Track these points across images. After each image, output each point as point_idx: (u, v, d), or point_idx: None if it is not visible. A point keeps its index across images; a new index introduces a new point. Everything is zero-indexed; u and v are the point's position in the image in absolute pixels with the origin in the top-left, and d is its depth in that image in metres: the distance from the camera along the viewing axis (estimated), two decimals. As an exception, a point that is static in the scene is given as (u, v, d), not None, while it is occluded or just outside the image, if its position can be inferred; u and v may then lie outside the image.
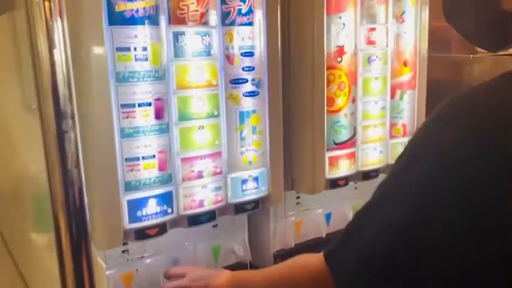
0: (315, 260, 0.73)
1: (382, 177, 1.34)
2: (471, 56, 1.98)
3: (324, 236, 1.38)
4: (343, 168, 1.20)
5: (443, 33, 1.40)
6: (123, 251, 1.08)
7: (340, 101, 1.15)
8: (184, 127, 0.96)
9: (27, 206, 1.13)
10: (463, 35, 0.70)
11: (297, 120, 1.15)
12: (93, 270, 0.53)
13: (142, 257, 1.10)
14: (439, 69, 1.77)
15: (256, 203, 1.08)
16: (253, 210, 1.08)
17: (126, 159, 0.89)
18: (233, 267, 1.24)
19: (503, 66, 0.64)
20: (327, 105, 1.13)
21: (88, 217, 0.52)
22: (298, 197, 1.33)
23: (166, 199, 0.95)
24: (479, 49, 2.03)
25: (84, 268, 0.53)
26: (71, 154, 0.51)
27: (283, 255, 1.31)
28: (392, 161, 1.30)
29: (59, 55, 0.49)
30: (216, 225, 1.20)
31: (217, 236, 1.22)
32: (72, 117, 0.52)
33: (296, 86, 1.14)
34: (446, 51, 2.10)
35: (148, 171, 0.91)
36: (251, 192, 1.07)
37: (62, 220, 0.52)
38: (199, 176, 0.98)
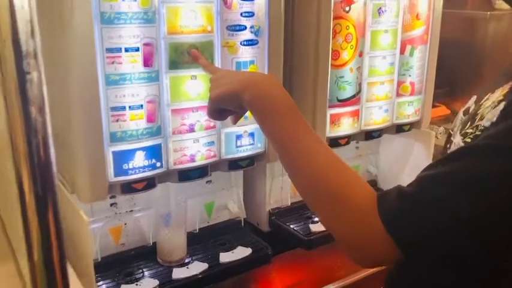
0: (368, 202, 0.60)
1: (386, 137, 1.28)
2: (488, 13, 1.87)
3: (321, 196, 1.34)
4: (345, 127, 1.13)
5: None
6: (111, 204, 1.04)
7: (346, 54, 1.07)
8: (175, 76, 0.89)
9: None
10: None
11: (299, 74, 1.08)
12: (61, 228, 0.48)
13: (131, 211, 1.07)
14: (453, 26, 1.67)
15: (251, 160, 1.03)
16: (247, 168, 1.03)
17: (112, 109, 0.83)
18: (226, 224, 1.21)
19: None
20: (331, 58, 1.06)
21: (55, 169, 0.46)
22: (296, 155, 1.28)
23: (154, 152, 0.89)
24: (497, 6, 1.92)
25: (50, 224, 0.48)
26: (33, 98, 0.45)
27: (279, 213, 1.28)
28: (397, 121, 1.24)
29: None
30: (210, 181, 1.16)
31: (211, 192, 1.18)
32: (35, 57, 0.45)
33: (299, 36, 1.06)
34: (462, 8, 1.98)
35: (135, 122, 0.85)
36: (246, 149, 1.01)
37: (25, 173, 0.46)
38: (191, 129, 0.92)
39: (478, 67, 1.92)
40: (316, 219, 1.26)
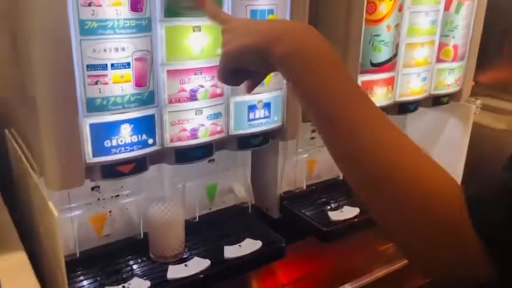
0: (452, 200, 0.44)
1: (421, 110, 1.08)
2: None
3: (341, 177, 1.15)
4: (378, 98, 0.94)
5: None
6: (92, 188, 0.85)
7: (383, 8, 0.87)
8: (173, 26, 0.68)
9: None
10: None
11: (325, 30, 0.86)
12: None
13: (117, 196, 0.88)
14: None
15: (265, 137, 0.83)
16: (260, 146, 0.83)
17: (88, 67, 0.62)
18: (231, 211, 1.03)
19: None
20: (366, 11, 0.85)
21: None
22: (313, 131, 1.08)
23: (145, 126, 0.69)
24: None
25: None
26: None
27: (292, 198, 1.10)
28: (435, 92, 1.04)
29: None
30: (213, 159, 0.96)
31: (214, 172, 0.99)
32: None
33: (328, -18, 0.85)
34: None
35: (120, 85, 0.65)
36: (260, 123, 0.82)
37: None
38: (193, 97, 0.72)
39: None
40: (335, 205, 1.08)
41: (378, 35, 0.88)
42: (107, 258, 0.87)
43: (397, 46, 0.93)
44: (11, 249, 0.64)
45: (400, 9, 0.90)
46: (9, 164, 0.88)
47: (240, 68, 0.57)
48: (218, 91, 0.75)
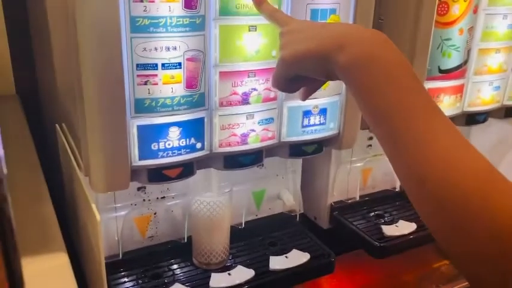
0: None
1: (491, 122, 0.99)
2: None
3: (397, 189, 1.08)
4: (444, 107, 0.86)
5: None
6: (138, 189, 0.83)
7: (457, 9, 0.79)
8: (228, 25, 0.64)
9: None
10: None
11: (390, 32, 0.80)
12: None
13: (163, 198, 0.85)
14: None
15: (319, 145, 0.78)
16: (314, 155, 0.78)
17: (138, 66, 0.59)
18: (278, 219, 0.98)
19: None
20: (437, 13, 0.78)
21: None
22: (370, 138, 1.02)
23: (194, 129, 0.66)
24: None
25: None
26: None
27: (343, 208, 1.04)
28: (509, 102, 0.95)
29: None
30: (262, 164, 0.92)
31: (262, 178, 0.95)
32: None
33: (396, -20, 0.78)
34: None
35: (170, 86, 0.62)
36: (315, 130, 0.76)
37: None
38: (245, 100, 0.68)
39: None
40: (389, 219, 1.02)
41: (449, 39, 0.80)
42: (149, 261, 0.84)
43: (469, 51, 0.85)
44: (53, 250, 0.63)
45: (475, 11, 0.82)
46: (58, 157, 0.87)
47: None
48: (272, 95, 0.70)
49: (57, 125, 0.85)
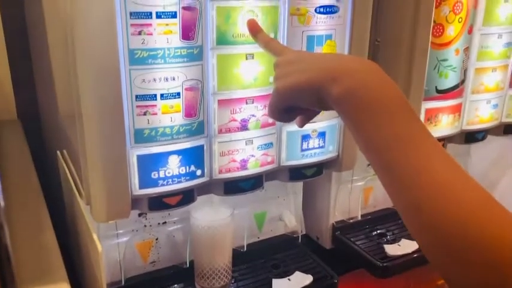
0: None
1: (490, 139, 0.99)
2: None
3: (399, 208, 1.08)
4: (443, 126, 0.87)
5: None
6: (139, 215, 0.83)
7: (452, 30, 0.80)
8: (225, 54, 0.65)
9: None
10: None
11: (387, 55, 0.81)
12: None
13: (164, 223, 0.85)
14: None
15: (319, 168, 0.78)
16: (314, 178, 0.79)
17: (137, 97, 0.60)
18: (280, 240, 0.98)
19: None
20: (432, 34, 0.79)
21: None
22: (371, 157, 1.02)
23: (194, 157, 0.67)
24: None
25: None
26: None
27: (345, 228, 1.04)
28: (507, 120, 0.95)
29: None
30: (263, 187, 0.92)
31: (263, 199, 0.95)
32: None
33: (391, 4, 0.79)
34: None
35: (169, 116, 0.62)
36: (314, 153, 0.77)
37: None
38: (243, 127, 0.69)
39: None
40: (391, 238, 1.01)
41: (445, 60, 0.81)
42: (151, 286, 0.84)
43: (465, 71, 0.85)
44: (54, 279, 0.63)
45: (470, 32, 0.83)
46: (60, 182, 0.88)
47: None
48: (270, 120, 0.71)
49: (58, 151, 0.86)
